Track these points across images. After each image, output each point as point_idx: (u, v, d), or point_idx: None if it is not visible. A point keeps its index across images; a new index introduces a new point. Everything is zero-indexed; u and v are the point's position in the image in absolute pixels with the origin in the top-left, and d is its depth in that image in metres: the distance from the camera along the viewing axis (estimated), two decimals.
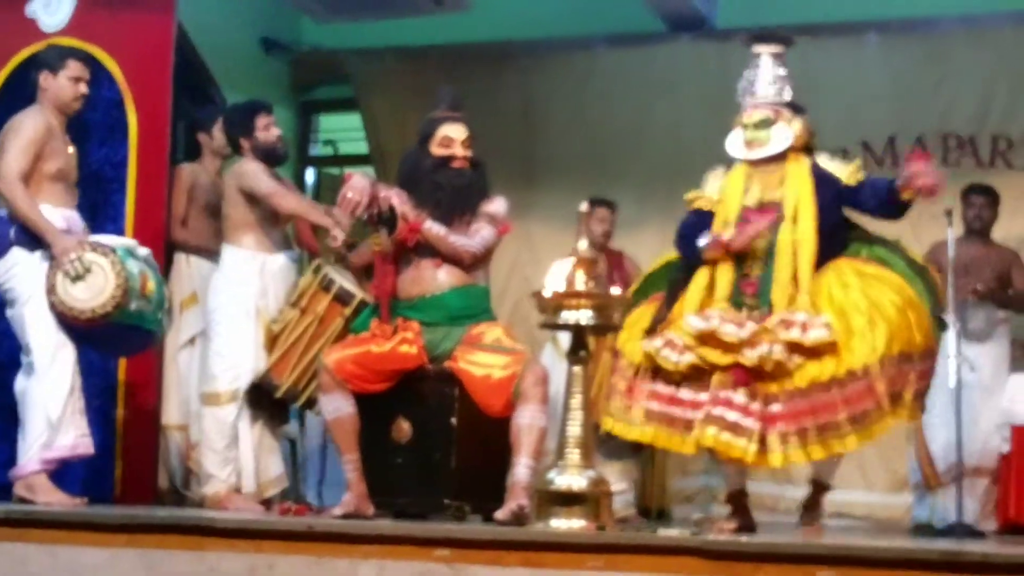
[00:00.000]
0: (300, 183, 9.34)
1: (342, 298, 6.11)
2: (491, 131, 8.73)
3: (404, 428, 5.72)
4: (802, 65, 8.16)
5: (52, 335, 5.80)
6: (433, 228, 5.52)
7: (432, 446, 5.68)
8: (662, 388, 5.34)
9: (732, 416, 5.16)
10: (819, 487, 5.69)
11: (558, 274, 4.93)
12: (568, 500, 4.74)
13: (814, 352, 5.18)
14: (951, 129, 8.06)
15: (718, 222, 5.51)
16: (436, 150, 5.71)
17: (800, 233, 5.36)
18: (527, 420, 5.32)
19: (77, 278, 5.68)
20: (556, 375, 5.76)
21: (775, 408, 5.16)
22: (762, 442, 5.15)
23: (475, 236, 5.62)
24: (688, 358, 5.26)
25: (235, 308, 6.21)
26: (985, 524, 6.96)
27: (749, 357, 5.17)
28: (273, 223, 6.35)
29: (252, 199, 6.27)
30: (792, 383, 5.18)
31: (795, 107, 5.63)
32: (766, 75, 5.64)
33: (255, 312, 6.20)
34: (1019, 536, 6.50)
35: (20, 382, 5.88)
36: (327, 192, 9.18)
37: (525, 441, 5.28)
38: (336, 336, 6.06)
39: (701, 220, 5.58)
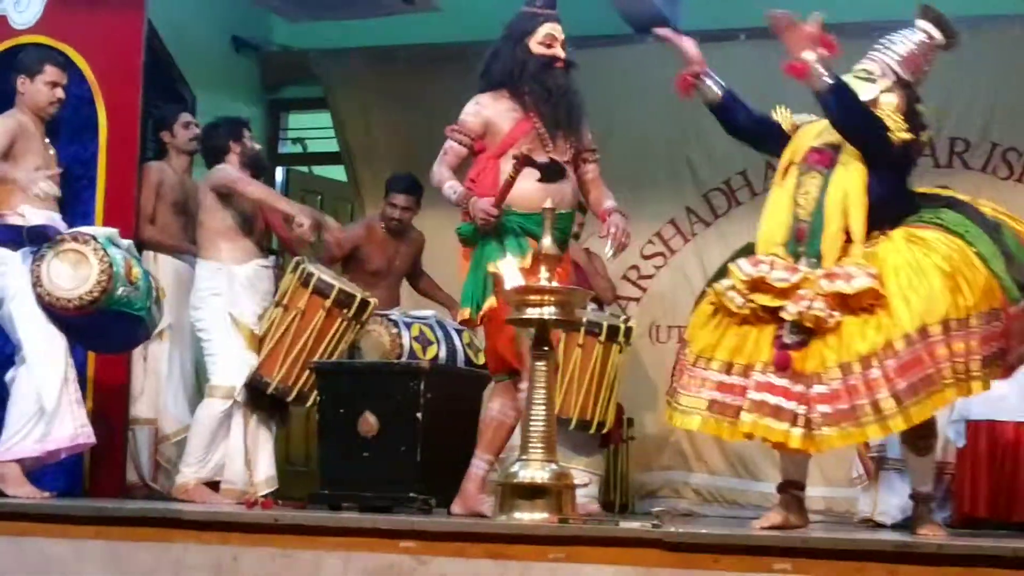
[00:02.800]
0: (270, 181, 9.39)
1: (321, 291, 6.22)
2: None
3: (370, 422, 5.80)
4: (762, 67, 8.32)
5: (42, 327, 5.87)
6: None
7: (398, 440, 5.77)
8: (714, 375, 5.20)
9: (773, 400, 5.04)
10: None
11: (506, 271, 4.98)
12: (531, 493, 4.80)
13: (858, 309, 4.98)
14: None
15: (784, 160, 5.37)
16: (538, 48, 5.47)
17: (851, 183, 5.16)
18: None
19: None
20: None
21: (818, 389, 4.99)
22: (808, 425, 5.00)
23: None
24: (747, 303, 5.12)
25: (214, 317, 6.38)
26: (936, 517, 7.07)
27: (790, 312, 5.03)
28: (247, 231, 6.47)
29: (226, 200, 6.39)
30: (834, 360, 4.98)
31: (907, 85, 5.33)
32: (903, 42, 5.39)
33: (230, 320, 6.31)
34: (973, 529, 6.60)
35: (11, 372, 5.95)
36: (296, 190, 9.25)
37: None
38: (321, 327, 6.13)
39: (767, 117, 5.50)
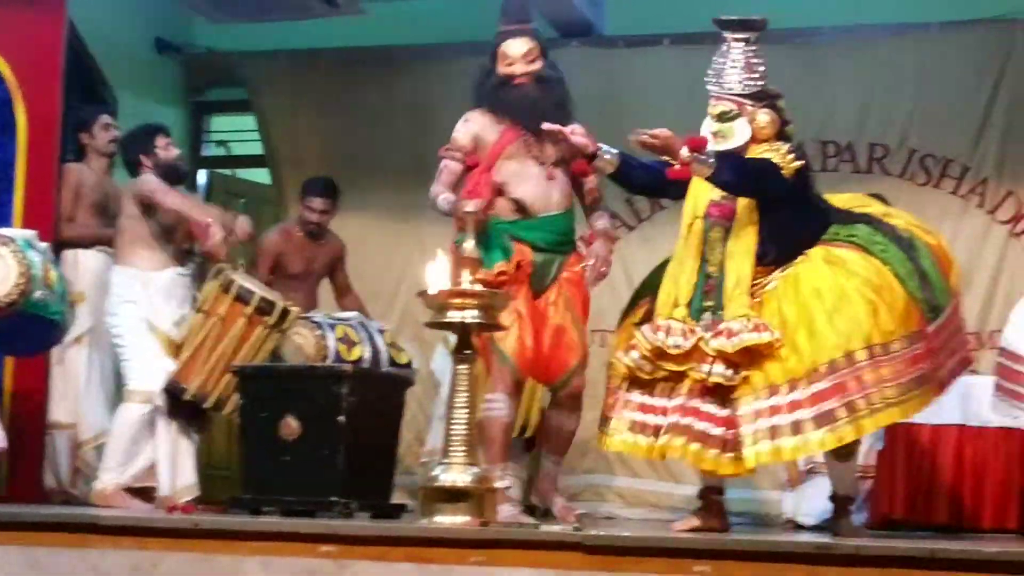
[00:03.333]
0: (192, 184, 9.33)
1: (243, 297, 6.19)
2: (383, 134, 8.84)
3: (292, 426, 5.77)
4: (685, 72, 8.38)
5: None
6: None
7: (320, 444, 5.74)
8: (636, 396, 5.35)
9: (700, 425, 5.14)
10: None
11: (433, 273, 4.98)
12: (453, 496, 4.79)
13: (767, 356, 5.11)
14: (830, 136, 8.24)
15: (687, 216, 5.47)
16: (500, 68, 5.68)
17: (743, 235, 5.29)
18: (555, 423, 5.79)
19: None
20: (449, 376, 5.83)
21: (743, 410, 5.11)
22: (735, 448, 5.11)
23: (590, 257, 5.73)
24: (657, 370, 5.29)
25: (130, 323, 6.33)
26: (857, 518, 7.15)
27: (695, 377, 5.18)
28: (167, 240, 6.44)
29: (148, 210, 6.36)
30: (761, 383, 5.10)
31: (764, 96, 5.46)
32: (732, 65, 5.48)
33: (148, 326, 6.26)
34: (891, 531, 6.68)
35: None
36: (219, 193, 9.19)
37: (552, 441, 5.78)
38: (241, 335, 6.11)
39: (660, 165, 5.53)
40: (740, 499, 7.50)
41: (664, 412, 5.25)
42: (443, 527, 4.70)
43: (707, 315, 5.28)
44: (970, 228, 7.99)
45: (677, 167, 5.32)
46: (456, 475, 4.81)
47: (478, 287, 4.89)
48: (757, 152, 5.38)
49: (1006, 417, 6.20)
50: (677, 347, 5.21)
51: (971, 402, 6.80)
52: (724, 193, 5.37)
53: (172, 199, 6.37)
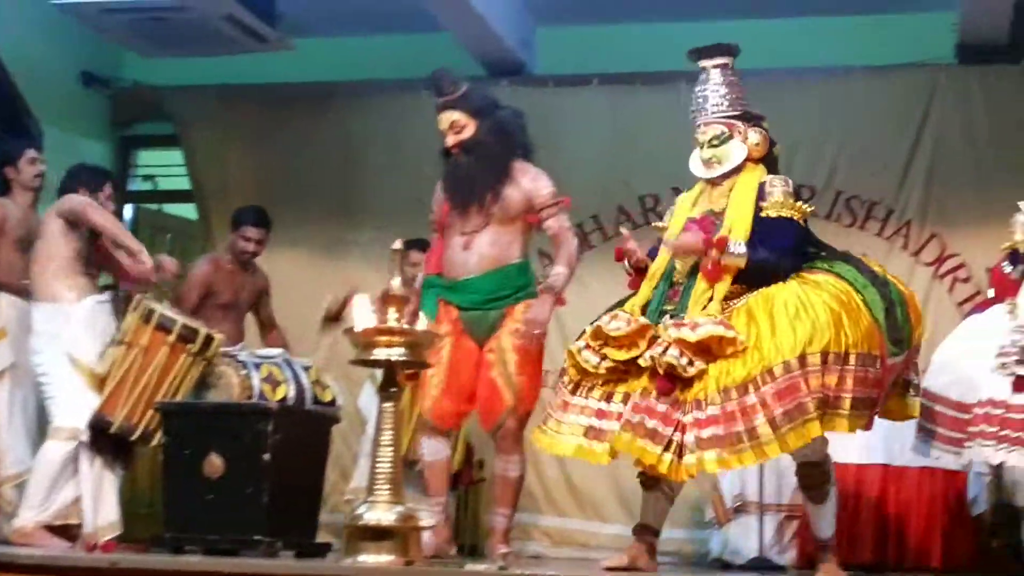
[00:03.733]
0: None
1: (164, 326, 6.13)
2: (312, 170, 8.82)
3: (216, 463, 5.72)
4: (614, 112, 8.46)
5: None
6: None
7: (244, 481, 5.70)
8: (593, 403, 5.30)
9: (651, 423, 5.08)
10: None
11: (359, 310, 4.97)
12: (377, 535, 4.76)
13: (722, 355, 5.09)
14: None
15: (667, 236, 5.51)
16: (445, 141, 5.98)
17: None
18: (499, 470, 5.90)
19: None
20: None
21: (695, 415, 5.05)
22: (678, 452, 5.05)
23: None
24: (603, 361, 5.25)
25: (53, 360, 6.28)
26: (782, 558, 7.19)
27: (646, 359, 5.14)
28: (83, 266, 6.38)
29: (71, 230, 6.31)
30: (714, 388, 5.06)
31: (750, 117, 5.54)
32: (715, 89, 5.53)
33: (70, 361, 6.20)
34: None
35: None
36: (145, 228, 9.11)
37: (499, 490, 5.88)
38: (164, 364, 6.05)
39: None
40: (667, 538, 7.52)
41: (620, 419, 5.20)
42: (367, 566, 4.67)
43: (667, 318, 5.27)
44: (895, 270, 7.91)
45: (706, 269, 5.30)
46: (381, 513, 4.77)
47: (405, 325, 4.87)
48: (756, 189, 5.41)
49: (927, 458, 6.24)
50: (617, 329, 5.19)
51: (894, 442, 6.85)
52: (704, 208, 5.44)
53: (103, 217, 6.35)
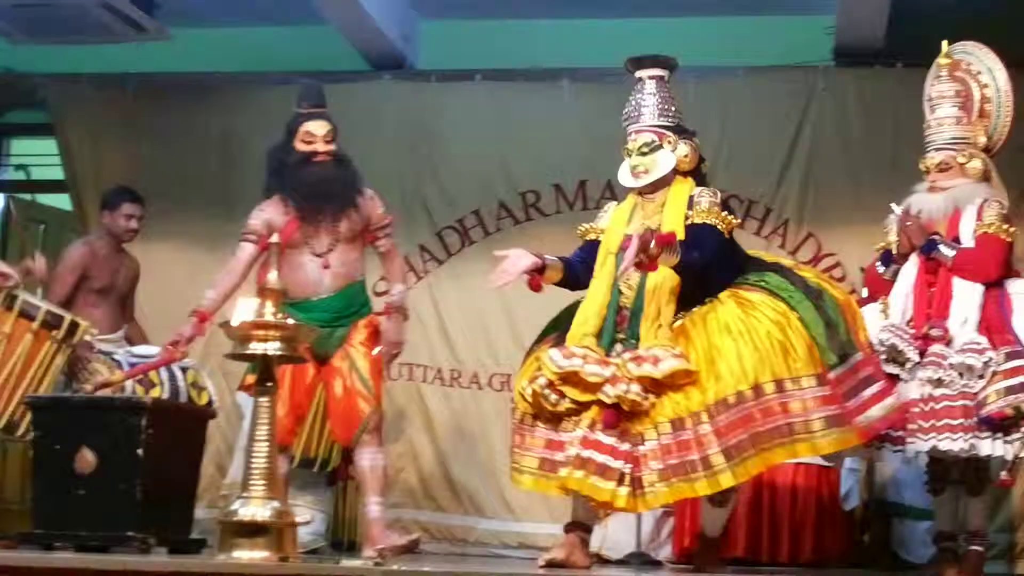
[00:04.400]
0: None
1: (27, 313, 6.04)
2: (190, 161, 8.70)
3: (88, 458, 5.62)
4: (497, 108, 8.47)
5: None
6: None
7: (117, 477, 5.60)
8: (541, 432, 5.31)
9: (600, 458, 5.08)
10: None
11: (246, 307, 4.91)
12: (252, 531, 4.69)
13: (674, 386, 5.12)
14: None
15: (601, 252, 5.49)
16: (299, 146, 6.04)
17: (665, 269, 5.30)
18: (368, 462, 5.99)
19: None
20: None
21: (648, 446, 5.08)
22: (635, 484, 5.07)
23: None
24: (563, 400, 5.23)
25: None
26: (661, 553, 7.25)
27: (608, 394, 5.12)
28: None
29: None
30: (665, 417, 5.09)
31: (681, 130, 5.59)
32: (649, 99, 5.58)
33: None
34: (689, 564, 6.76)
35: None
36: (19, 219, 8.93)
37: (371, 481, 5.95)
38: (29, 352, 5.94)
39: (589, 250, 5.56)
40: (548, 533, 7.57)
41: (565, 447, 5.21)
42: (241, 562, 4.60)
43: (618, 346, 5.28)
44: None
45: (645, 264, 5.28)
46: (255, 509, 4.71)
47: (281, 319, 4.82)
48: (686, 202, 5.42)
49: None
50: (596, 375, 5.16)
51: None
52: (642, 224, 5.40)
53: None
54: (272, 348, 4.79)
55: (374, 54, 8.54)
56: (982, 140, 6.22)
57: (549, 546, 7.71)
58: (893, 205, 6.20)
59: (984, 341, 5.75)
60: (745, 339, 5.16)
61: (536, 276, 5.50)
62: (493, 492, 8.03)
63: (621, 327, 5.34)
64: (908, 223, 6.04)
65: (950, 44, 6.36)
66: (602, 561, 7.19)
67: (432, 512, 8.14)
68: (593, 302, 5.40)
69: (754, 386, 5.10)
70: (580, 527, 5.51)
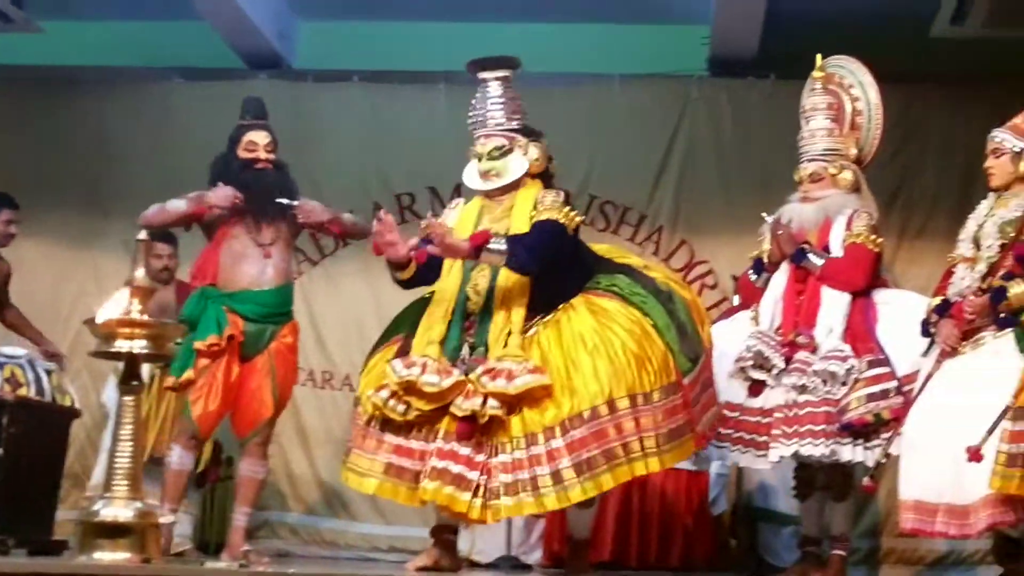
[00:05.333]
0: None
1: None
2: (61, 157, 8.55)
3: None
4: (373, 110, 8.45)
5: None
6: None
7: None
8: (391, 438, 5.20)
9: (456, 468, 5.03)
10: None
11: (117, 303, 4.84)
12: (114, 532, 4.62)
13: (531, 400, 5.06)
14: None
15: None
16: (242, 153, 6.19)
17: (514, 275, 5.24)
18: (248, 472, 6.07)
19: None
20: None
21: (501, 459, 5.04)
22: (485, 495, 5.02)
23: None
24: (409, 409, 5.14)
25: None
26: (531, 556, 7.27)
27: (461, 408, 5.05)
28: None
29: None
30: (519, 430, 5.04)
31: (529, 132, 5.53)
32: (495, 102, 5.51)
33: None
34: (558, 568, 6.79)
35: None
36: None
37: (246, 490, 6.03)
38: None
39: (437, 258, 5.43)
40: (417, 536, 7.56)
41: (423, 456, 5.13)
42: (102, 564, 4.53)
43: (465, 351, 5.23)
44: None
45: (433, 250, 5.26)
46: (118, 509, 4.64)
47: (147, 317, 4.75)
48: (536, 201, 5.36)
49: None
50: (432, 385, 5.09)
51: None
52: (488, 228, 5.32)
53: None
54: (138, 346, 4.72)
55: (250, 53, 8.47)
56: (853, 152, 6.34)
57: (419, 550, 7.77)
58: (765, 215, 6.29)
59: (848, 349, 5.85)
60: (600, 352, 5.13)
61: (421, 250, 5.38)
62: (364, 495, 7.97)
63: (469, 332, 5.28)
64: (779, 232, 6.12)
65: (824, 58, 6.47)
66: (472, 565, 7.18)
67: (301, 515, 8.08)
68: (439, 306, 5.34)
69: (608, 401, 5.08)
70: (446, 529, 5.50)
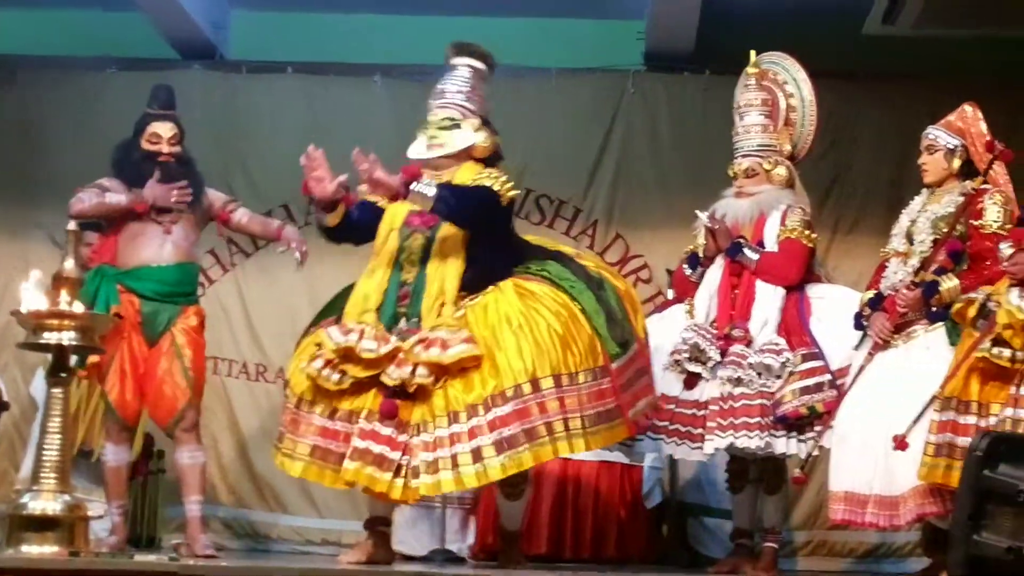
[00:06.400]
0: None
1: None
2: None
3: None
4: (307, 102, 8.40)
5: None
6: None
7: None
8: (317, 420, 5.20)
9: (377, 449, 5.02)
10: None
11: (28, 292, 4.78)
12: (42, 525, 4.59)
13: (460, 371, 5.07)
14: None
15: (383, 228, 5.38)
16: (145, 145, 6.18)
17: (450, 247, 5.26)
18: (188, 460, 6.07)
19: None
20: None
21: (422, 437, 5.03)
22: (407, 475, 5.01)
23: None
24: (344, 377, 5.13)
25: None
26: (463, 548, 7.26)
27: (391, 377, 5.05)
28: None
29: None
30: (441, 409, 5.04)
31: (486, 122, 5.53)
32: (460, 83, 5.53)
33: None
34: (491, 561, 6.79)
35: None
36: None
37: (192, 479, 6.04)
38: None
39: (366, 207, 5.45)
40: (351, 531, 7.54)
41: (347, 439, 5.12)
42: (30, 557, 4.49)
43: (402, 322, 5.22)
44: None
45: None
46: (46, 503, 4.60)
47: (77, 308, 4.70)
48: (473, 177, 5.36)
49: (603, 450, 6.40)
50: (370, 351, 5.08)
51: None
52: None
53: None
54: (67, 338, 4.68)
55: (183, 43, 8.39)
56: (787, 148, 6.39)
57: (352, 543, 7.76)
58: (699, 212, 6.31)
59: (783, 342, 5.90)
60: (525, 332, 5.13)
61: (348, 195, 5.43)
62: (297, 488, 7.94)
63: (403, 303, 5.28)
64: (715, 226, 6.15)
65: (758, 54, 6.50)
66: (404, 558, 7.16)
67: (234, 508, 8.02)
68: (372, 278, 5.33)
69: (532, 380, 5.07)
70: (380, 521, 5.49)
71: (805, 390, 5.80)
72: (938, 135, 5.72)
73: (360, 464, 5.04)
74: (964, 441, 5.02)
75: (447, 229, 5.29)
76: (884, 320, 5.57)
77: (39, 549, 4.54)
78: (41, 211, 8.27)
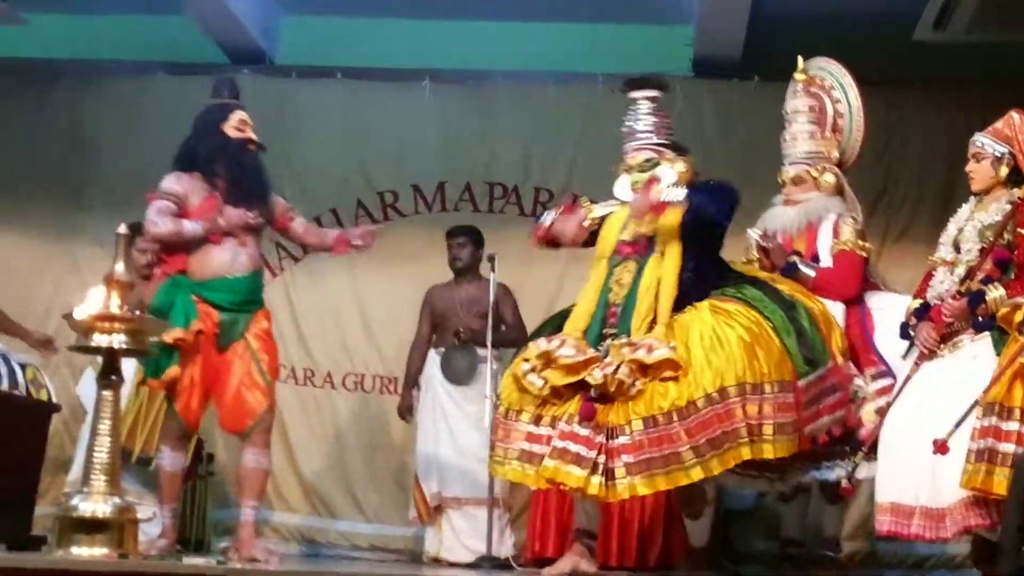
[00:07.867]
0: None
1: None
2: (40, 150, 8.51)
3: None
4: (355, 107, 8.43)
5: None
6: None
7: None
8: (523, 426, 5.44)
9: (575, 448, 5.25)
10: None
11: (96, 298, 4.83)
12: (92, 527, 4.62)
13: (660, 379, 5.27)
14: (496, 178, 8.40)
15: (598, 255, 5.67)
16: (233, 132, 6.04)
17: (665, 269, 5.50)
18: (253, 463, 5.95)
19: None
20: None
21: (620, 440, 5.23)
22: (608, 475, 5.22)
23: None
24: (546, 384, 5.39)
25: None
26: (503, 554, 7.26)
27: (595, 376, 5.26)
28: None
29: None
30: (636, 413, 5.25)
31: (677, 148, 5.77)
32: (645, 119, 5.77)
33: None
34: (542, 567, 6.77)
35: None
36: None
37: (252, 483, 5.94)
38: None
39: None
40: (399, 536, 7.58)
41: (550, 442, 5.36)
42: (80, 559, 4.53)
43: (608, 341, 5.43)
44: None
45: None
46: (95, 505, 4.64)
47: (127, 311, 4.73)
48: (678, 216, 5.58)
49: None
50: (568, 357, 5.34)
51: None
52: (634, 232, 5.62)
53: None
54: (118, 341, 4.72)
55: (233, 48, 8.43)
56: (835, 155, 6.36)
57: (400, 548, 7.81)
58: (751, 231, 6.30)
59: (851, 368, 5.78)
60: (716, 347, 5.34)
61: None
62: (345, 493, 7.98)
63: (610, 323, 5.51)
64: (770, 244, 6.15)
65: (805, 60, 6.48)
66: (450, 565, 7.17)
67: (283, 513, 8.05)
68: (583, 303, 5.63)
69: (720, 389, 5.27)
70: (586, 534, 5.73)
71: (880, 411, 5.69)
72: (985, 142, 5.67)
73: (559, 462, 5.30)
74: (1006, 447, 4.99)
75: (664, 255, 5.53)
76: (930, 330, 5.53)
77: (89, 551, 4.58)
78: (89, 214, 8.35)
